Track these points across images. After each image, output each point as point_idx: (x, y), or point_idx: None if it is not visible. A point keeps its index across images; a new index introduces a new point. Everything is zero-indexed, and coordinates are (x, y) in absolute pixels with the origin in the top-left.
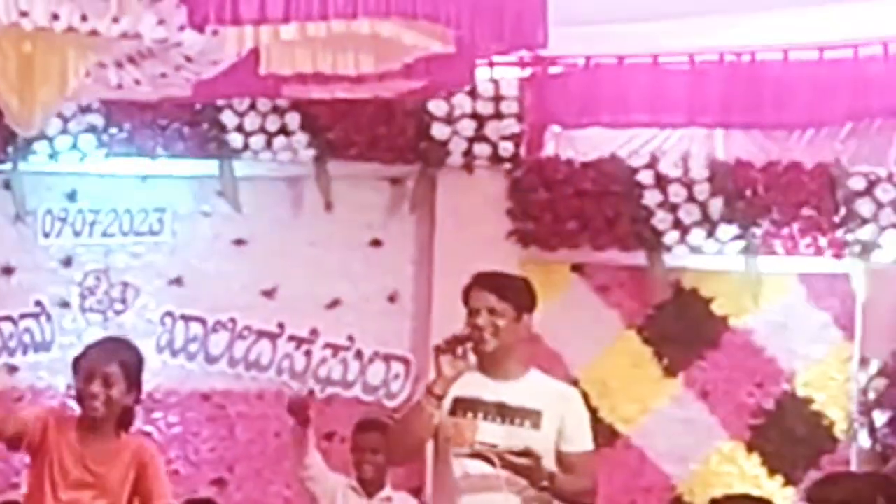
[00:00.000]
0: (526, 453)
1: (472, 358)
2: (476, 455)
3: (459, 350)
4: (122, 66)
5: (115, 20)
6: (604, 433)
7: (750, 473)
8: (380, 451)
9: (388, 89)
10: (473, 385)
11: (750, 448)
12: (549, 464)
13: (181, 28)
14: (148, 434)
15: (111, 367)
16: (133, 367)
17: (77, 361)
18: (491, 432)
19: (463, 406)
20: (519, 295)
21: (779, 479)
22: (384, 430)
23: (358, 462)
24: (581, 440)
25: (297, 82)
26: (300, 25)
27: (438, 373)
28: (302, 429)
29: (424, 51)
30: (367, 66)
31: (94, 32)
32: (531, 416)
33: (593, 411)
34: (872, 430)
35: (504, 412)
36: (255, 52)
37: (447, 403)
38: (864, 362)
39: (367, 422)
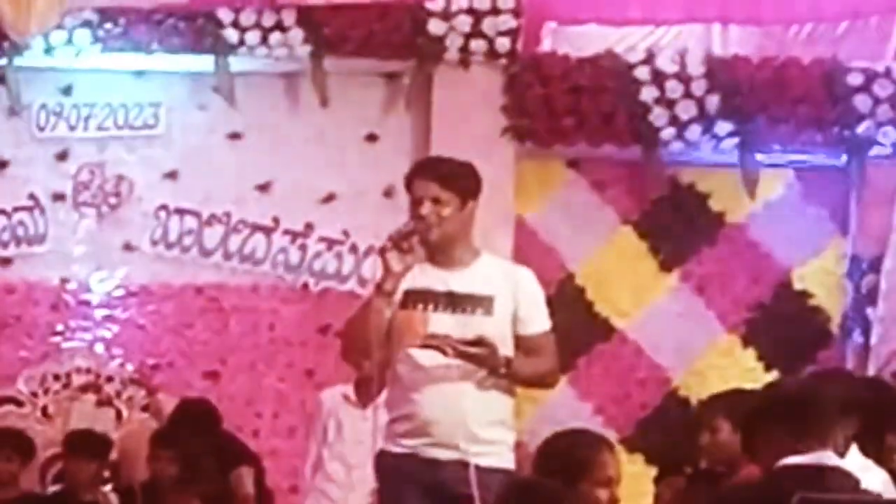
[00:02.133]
0: (479, 342)
1: (420, 250)
2: (428, 346)
3: (405, 245)
4: None
5: None
6: (599, 327)
7: (746, 367)
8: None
9: None
10: (423, 276)
11: (746, 342)
12: (507, 349)
13: None
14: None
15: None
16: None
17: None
18: (442, 323)
19: (413, 298)
20: (463, 182)
21: (775, 373)
22: None
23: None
24: (537, 321)
25: None
26: None
27: (386, 269)
28: None
29: None
30: None
31: None
32: (482, 303)
33: (589, 306)
34: (866, 326)
35: (454, 301)
36: None
37: (398, 297)
38: (855, 259)
39: None
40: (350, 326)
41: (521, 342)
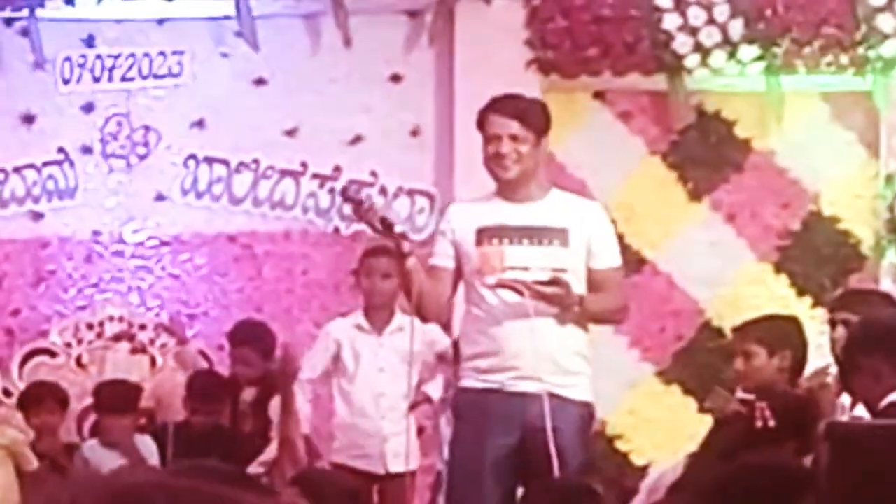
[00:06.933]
0: (554, 282)
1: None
2: (503, 287)
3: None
4: None
5: None
6: (631, 259)
7: (778, 295)
8: (391, 276)
9: None
10: (496, 212)
11: (778, 269)
12: (582, 282)
13: None
14: (177, 277)
15: None
16: None
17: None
18: (519, 255)
19: (488, 234)
20: (539, 119)
21: (807, 299)
22: (394, 255)
23: (369, 288)
24: (609, 256)
25: None
26: None
27: (402, 238)
28: None
29: None
30: None
31: None
32: (558, 235)
33: (619, 238)
34: None
35: (530, 233)
36: None
37: (471, 235)
38: (889, 178)
39: (378, 248)
40: (409, 296)
41: (591, 276)
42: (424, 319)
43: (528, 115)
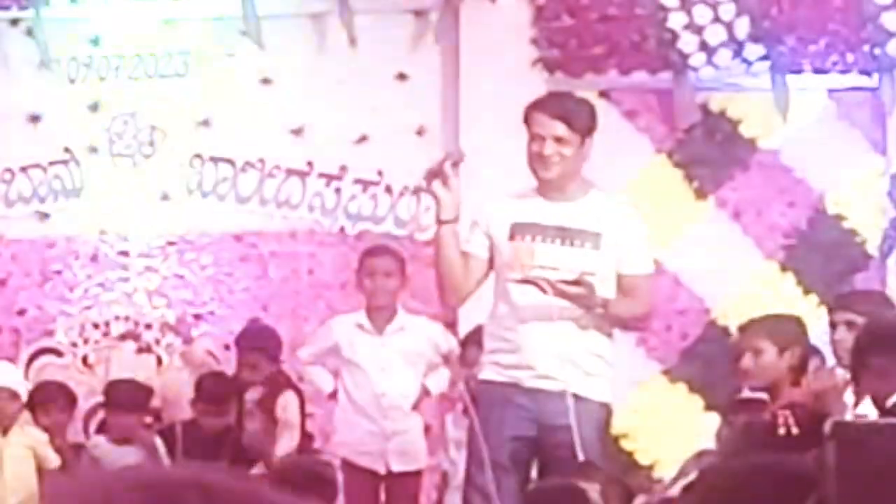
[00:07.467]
0: (578, 282)
1: (454, 179)
2: (528, 282)
3: (442, 175)
4: None
5: None
6: None
7: (784, 294)
8: (393, 276)
9: None
10: (532, 209)
11: (784, 268)
12: (610, 286)
13: None
14: (182, 276)
15: None
16: None
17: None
18: (550, 254)
19: (521, 230)
20: (585, 121)
21: (813, 297)
22: (395, 255)
23: (371, 288)
24: (639, 262)
25: None
26: None
27: (436, 200)
28: None
29: None
30: None
31: None
32: (591, 238)
33: None
34: None
35: (563, 234)
36: None
37: (505, 228)
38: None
39: (378, 247)
40: (436, 269)
41: (619, 281)
42: (444, 297)
43: (574, 116)
